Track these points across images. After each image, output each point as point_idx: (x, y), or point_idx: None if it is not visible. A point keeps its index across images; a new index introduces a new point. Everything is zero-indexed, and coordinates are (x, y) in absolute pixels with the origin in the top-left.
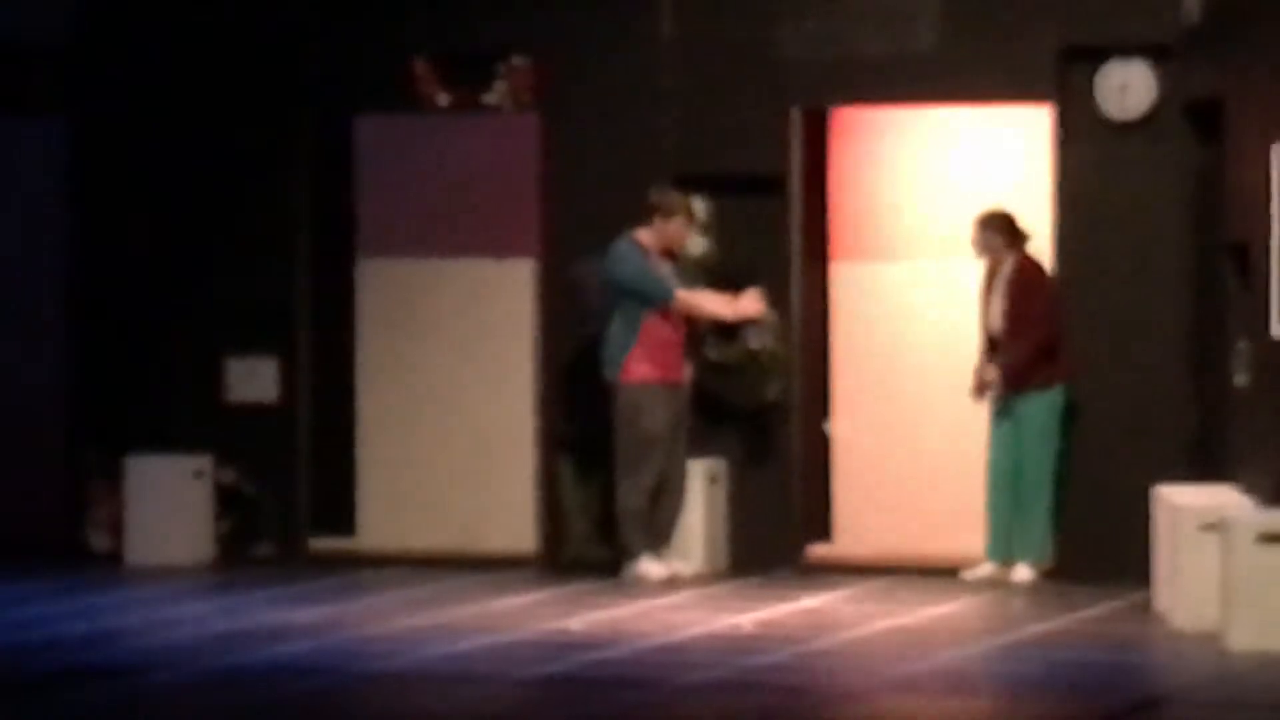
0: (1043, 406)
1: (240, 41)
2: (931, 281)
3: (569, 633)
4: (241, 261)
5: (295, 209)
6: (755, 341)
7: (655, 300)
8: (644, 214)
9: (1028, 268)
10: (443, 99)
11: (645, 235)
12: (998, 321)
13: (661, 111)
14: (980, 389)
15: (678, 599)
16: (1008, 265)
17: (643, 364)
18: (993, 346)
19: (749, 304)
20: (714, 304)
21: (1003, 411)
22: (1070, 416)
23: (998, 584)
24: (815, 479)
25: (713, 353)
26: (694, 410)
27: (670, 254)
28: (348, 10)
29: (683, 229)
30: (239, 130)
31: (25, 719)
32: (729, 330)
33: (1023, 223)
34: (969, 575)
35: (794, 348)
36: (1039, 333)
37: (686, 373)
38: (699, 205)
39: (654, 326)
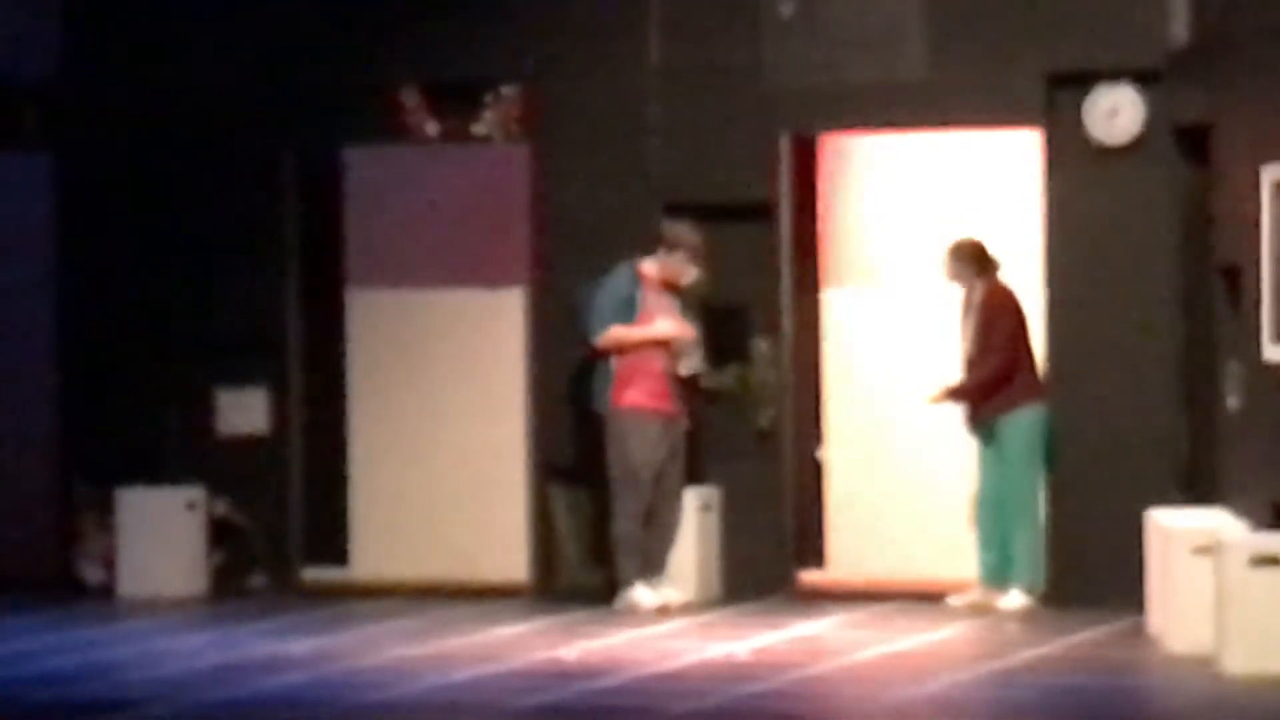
0: (1020, 429)
1: (227, 74)
2: (922, 307)
3: (563, 662)
4: (231, 293)
5: (285, 240)
6: (684, 368)
7: (587, 333)
8: (651, 244)
9: (996, 294)
10: (431, 129)
11: (648, 265)
12: (970, 346)
13: (650, 140)
14: (939, 398)
15: (671, 627)
16: (978, 292)
17: (631, 391)
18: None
19: (673, 327)
20: (641, 331)
21: (986, 437)
22: (1048, 440)
23: (988, 609)
24: (808, 506)
25: (705, 380)
26: (687, 439)
27: (673, 287)
28: (335, 41)
29: (682, 265)
30: (227, 162)
31: None
32: (721, 359)
33: (992, 251)
34: (955, 601)
35: (786, 374)
36: (997, 359)
37: (683, 406)
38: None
39: (640, 356)
